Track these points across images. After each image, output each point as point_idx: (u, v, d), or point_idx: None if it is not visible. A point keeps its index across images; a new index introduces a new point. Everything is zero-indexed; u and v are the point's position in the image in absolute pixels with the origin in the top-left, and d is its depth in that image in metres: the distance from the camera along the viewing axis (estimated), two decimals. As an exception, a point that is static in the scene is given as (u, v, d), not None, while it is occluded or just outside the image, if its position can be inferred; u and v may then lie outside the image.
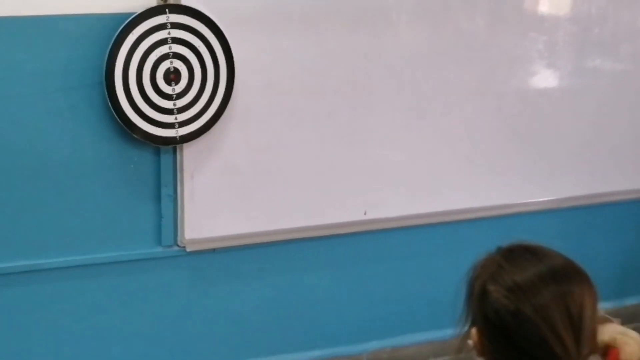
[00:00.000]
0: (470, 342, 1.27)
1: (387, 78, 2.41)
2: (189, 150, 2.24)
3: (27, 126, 2.09)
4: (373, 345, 2.73)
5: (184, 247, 2.33)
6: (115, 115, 2.11)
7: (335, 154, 2.42)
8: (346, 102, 2.39)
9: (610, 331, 1.38)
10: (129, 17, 2.05)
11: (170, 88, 2.14)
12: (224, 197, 2.31)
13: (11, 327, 2.26)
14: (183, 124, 2.18)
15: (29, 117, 2.08)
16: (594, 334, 1.20)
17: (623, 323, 3.48)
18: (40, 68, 2.05)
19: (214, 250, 2.39)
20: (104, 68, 2.06)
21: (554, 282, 1.19)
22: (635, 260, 3.13)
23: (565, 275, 1.21)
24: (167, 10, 2.08)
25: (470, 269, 1.29)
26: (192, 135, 2.20)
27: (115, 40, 2.05)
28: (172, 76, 2.14)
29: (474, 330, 1.25)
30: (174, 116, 2.17)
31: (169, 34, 2.10)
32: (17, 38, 2.01)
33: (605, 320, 1.42)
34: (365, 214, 2.50)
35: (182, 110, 2.17)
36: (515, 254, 1.26)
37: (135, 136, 2.15)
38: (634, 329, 3.35)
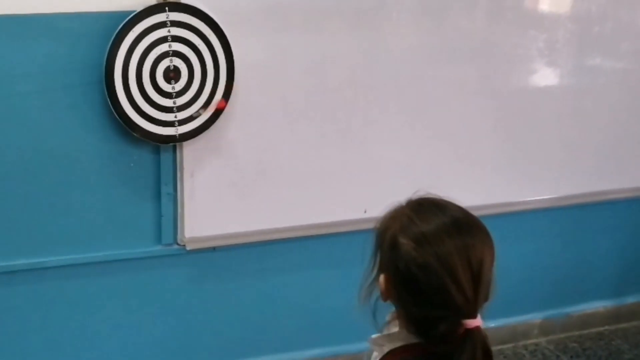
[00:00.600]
0: (377, 288, 1.35)
1: (388, 76, 2.41)
2: (188, 149, 2.23)
3: (27, 124, 2.09)
4: (373, 343, 2.73)
5: (184, 245, 2.33)
6: (115, 114, 2.11)
7: (335, 152, 2.42)
8: (346, 100, 2.39)
9: None
10: (129, 15, 2.05)
11: (170, 86, 2.14)
12: (224, 195, 2.31)
13: (11, 325, 2.26)
14: (183, 122, 2.18)
15: (28, 115, 2.08)
16: (489, 284, 1.27)
17: (622, 322, 3.50)
18: (40, 66, 2.05)
19: (214, 249, 2.40)
20: (104, 66, 2.06)
21: (458, 234, 1.27)
22: (634, 259, 3.13)
23: (468, 229, 1.29)
24: (167, 8, 2.08)
25: (379, 219, 1.37)
26: (191, 133, 2.20)
27: (115, 38, 2.05)
28: (171, 74, 2.13)
29: (382, 277, 1.33)
30: (173, 114, 2.17)
31: (169, 32, 2.10)
32: (17, 36, 2.01)
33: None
34: (365, 212, 2.50)
35: (181, 108, 2.17)
36: (424, 208, 1.34)
37: (135, 134, 2.15)
38: (634, 327, 3.36)
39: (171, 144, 2.21)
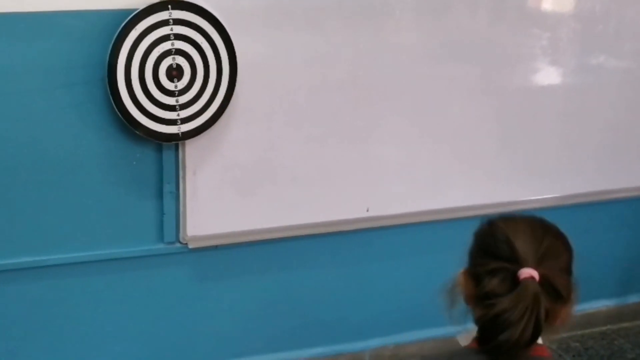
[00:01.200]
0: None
1: (390, 75, 2.41)
2: (191, 147, 2.23)
3: (29, 122, 2.09)
4: (375, 342, 2.73)
5: (186, 243, 2.33)
6: (118, 112, 2.11)
7: (338, 150, 2.42)
8: (349, 99, 2.39)
9: None
10: (132, 13, 2.05)
11: (173, 84, 2.14)
12: (226, 193, 2.31)
13: (13, 323, 2.26)
14: (185, 120, 2.18)
15: (31, 113, 2.08)
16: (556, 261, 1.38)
17: (625, 321, 3.49)
18: (42, 64, 2.05)
19: (216, 247, 2.40)
20: (106, 64, 2.06)
21: (536, 222, 1.43)
22: (637, 258, 3.13)
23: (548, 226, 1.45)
24: (169, 6, 2.08)
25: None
26: (194, 131, 2.20)
27: (118, 36, 2.04)
28: (174, 72, 2.13)
29: (461, 272, 1.43)
30: (176, 112, 2.16)
31: (172, 30, 2.10)
32: (19, 34, 2.01)
33: None
34: (367, 211, 2.50)
35: (184, 106, 2.17)
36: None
37: (137, 133, 2.15)
38: (636, 327, 3.36)
39: (174, 142, 2.21)
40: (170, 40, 2.10)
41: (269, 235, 2.42)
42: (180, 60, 2.13)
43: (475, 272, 1.37)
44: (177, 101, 2.16)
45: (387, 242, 2.63)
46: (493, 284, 1.31)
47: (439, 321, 2.78)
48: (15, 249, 2.18)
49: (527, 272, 1.30)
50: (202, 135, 2.21)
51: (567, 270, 1.39)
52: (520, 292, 1.28)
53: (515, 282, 1.30)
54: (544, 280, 1.31)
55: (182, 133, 2.19)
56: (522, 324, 1.27)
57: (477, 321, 1.37)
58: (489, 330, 1.31)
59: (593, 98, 2.73)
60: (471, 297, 1.39)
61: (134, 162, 2.22)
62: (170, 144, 2.22)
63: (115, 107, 2.10)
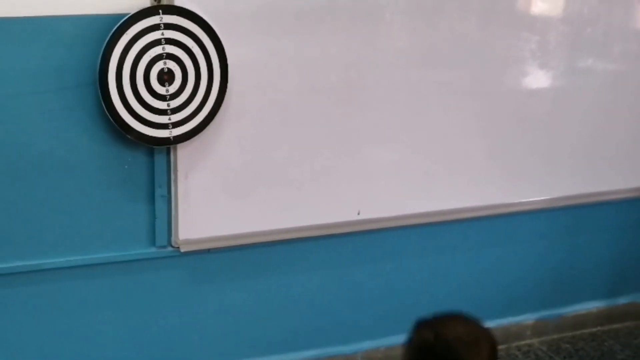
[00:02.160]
0: None
1: (381, 78, 2.42)
2: (182, 151, 2.24)
3: (21, 127, 2.09)
4: (367, 344, 2.73)
5: (178, 247, 2.33)
6: (109, 116, 2.11)
7: (329, 154, 2.42)
8: (340, 102, 2.39)
9: None
10: (123, 17, 2.05)
11: (164, 89, 2.15)
12: (218, 197, 2.32)
13: (5, 327, 2.25)
14: (177, 124, 2.18)
15: (22, 117, 2.08)
16: None
17: (615, 322, 3.51)
18: (34, 68, 2.05)
19: (208, 251, 2.40)
20: (98, 69, 2.06)
21: (468, 324, 1.56)
22: (627, 260, 3.14)
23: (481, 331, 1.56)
24: (160, 11, 2.08)
25: None
26: (185, 135, 2.20)
27: (109, 41, 2.05)
28: (165, 77, 2.14)
29: None
30: (167, 117, 2.17)
31: (163, 34, 2.10)
32: (11, 39, 2.01)
33: None
34: (358, 214, 2.51)
35: (175, 110, 2.17)
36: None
37: (129, 137, 2.15)
38: (626, 328, 3.37)
39: (165, 146, 2.21)
40: (161, 44, 2.11)
41: (260, 238, 2.43)
42: (172, 65, 2.13)
43: None
44: (168, 105, 2.16)
45: (378, 245, 2.64)
46: None
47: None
48: (7, 253, 2.18)
49: None
50: (193, 139, 2.22)
51: None
52: None
53: None
54: None
55: (174, 137, 2.19)
56: None
57: None
58: None
59: (582, 100, 2.75)
60: None
61: (126, 166, 2.22)
62: (161, 148, 2.22)
63: (106, 111, 2.10)
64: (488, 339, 1.53)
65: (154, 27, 2.09)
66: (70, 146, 2.14)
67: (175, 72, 2.14)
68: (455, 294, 2.75)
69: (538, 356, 2.97)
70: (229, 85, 2.21)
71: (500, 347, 2.64)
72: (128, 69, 2.08)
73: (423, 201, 2.59)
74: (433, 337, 1.51)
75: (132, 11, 2.06)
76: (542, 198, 2.81)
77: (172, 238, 2.32)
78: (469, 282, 2.77)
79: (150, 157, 2.24)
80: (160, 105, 2.15)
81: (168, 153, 2.24)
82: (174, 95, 2.16)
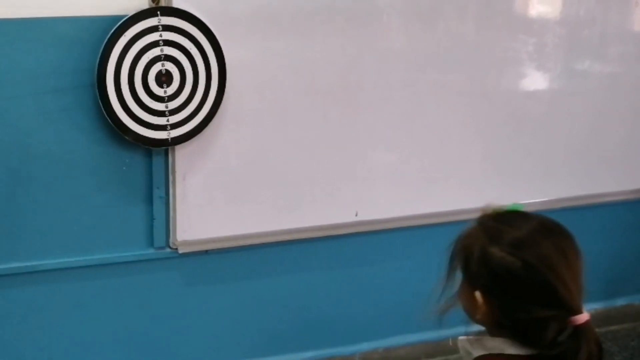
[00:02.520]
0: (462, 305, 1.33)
1: (378, 79, 2.42)
2: (180, 152, 2.24)
3: (18, 128, 2.09)
4: (365, 346, 2.74)
5: (176, 248, 2.33)
6: (107, 117, 2.11)
7: (327, 155, 2.43)
8: (337, 103, 2.40)
9: None
10: (121, 19, 2.05)
11: (162, 90, 2.15)
12: (216, 198, 2.32)
13: (3, 329, 2.25)
14: (175, 125, 2.18)
15: (20, 118, 2.08)
16: (583, 282, 1.30)
17: (613, 324, 3.51)
18: (32, 70, 2.05)
19: (206, 252, 2.40)
20: (96, 70, 2.07)
21: (550, 235, 1.28)
22: (625, 261, 3.15)
23: (557, 230, 1.31)
24: (158, 12, 2.08)
25: (455, 240, 1.37)
26: (184, 137, 2.20)
27: (107, 42, 2.05)
28: (163, 78, 2.14)
29: (477, 293, 1.29)
30: (165, 118, 2.17)
31: (161, 36, 2.10)
32: (9, 40, 2.01)
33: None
34: (356, 215, 2.51)
35: (173, 112, 2.17)
36: (507, 217, 1.35)
37: (127, 138, 2.15)
38: (624, 330, 3.37)
39: (163, 147, 2.21)
40: (159, 46, 2.11)
41: (258, 240, 2.43)
42: (170, 66, 2.14)
43: (508, 309, 1.27)
44: (166, 107, 2.17)
45: (376, 247, 2.64)
46: (549, 334, 1.23)
47: (428, 325, 2.80)
48: (5, 254, 2.18)
49: (583, 318, 1.24)
50: (191, 140, 2.22)
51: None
52: (584, 339, 1.23)
53: (567, 324, 1.24)
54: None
55: (172, 138, 2.19)
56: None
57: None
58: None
59: (578, 102, 2.75)
60: (493, 322, 1.30)
61: (124, 168, 2.22)
62: (159, 149, 2.22)
63: (104, 112, 2.10)
64: (569, 240, 1.32)
65: (152, 29, 2.09)
66: (68, 147, 2.15)
67: (174, 74, 2.15)
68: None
69: (535, 357, 2.97)
70: (227, 86, 2.21)
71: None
72: (126, 71, 2.09)
73: (421, 203, 2.60)
74: (520, 264, 1.24)
75: (131, 13, 2.06)
76: (539, 200, 2.81)
77: (170, 239, 2.32)
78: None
79: (149, 158, 2.24)
80: (158, 106, 2.15)
81: (166, 154, 2.24)
82: (172, 97, 2.16)
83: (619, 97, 2.83)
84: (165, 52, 2.12)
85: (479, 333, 1.36)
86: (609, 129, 2.85)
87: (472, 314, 1.32)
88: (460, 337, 1.37)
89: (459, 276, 1.35)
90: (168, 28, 2.10)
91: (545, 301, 1.23)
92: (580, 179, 2.85)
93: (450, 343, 1.39)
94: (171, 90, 2.16)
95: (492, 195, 2.68)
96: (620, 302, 3.20)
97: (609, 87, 2.79)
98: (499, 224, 1.32)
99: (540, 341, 1.24)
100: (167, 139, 2.19)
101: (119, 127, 2.13)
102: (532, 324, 1.24)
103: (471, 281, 1.31)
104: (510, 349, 1.28)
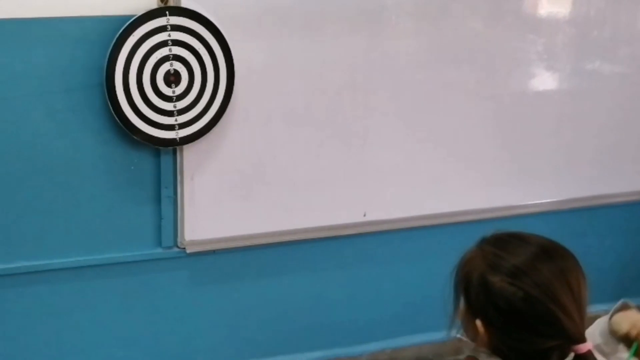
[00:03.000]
0: (464, 336, 1.30)
1: (387, 80, 2.42)
2: (189, 152, 2.24)
3: (28, 128, 2.10)
4: (373, 346, 2.73)
5: (184, 248, 2.34)
6: (116, 117, 2.11)
7: (335, 155, 2.42)
8: (346, 103, 2.39)
9: (632, 319, 1.42)
10: (130, 19, 2.06)
11: (171, 90, 2.15)
12: (224, 198, 2.32)
13: (12, 328, 2.26)
14: (183, 125, 2.18)
15: (29, 118, 2.09)
16: (587, 306, 1.26)
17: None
18: (41, 70, 2.05)
19: (214, 252, 2.40)
20: (105, 70, 2.07)
21: (550, 260, 1.24)
22: (633, 263, 3.13)
23: (557, 253, 1.27)
24: (167, 12, 2.09)
25: (457, 265, 1.33)
26: (192, 137, 2.21)
27: (116, 42, 2.05)
28: (172, 78, 2.14)
29: (478, 322, 1.26)
30: (174, 118, 2.17)
31: (169, 36, 2.11)
32: (19, 40, 2.01)
33: (626, 308, 1.47)
34: (364, 215, 2.51)
35: (182, 112, 2.18)
36: (505, 242, 1.30)
37: (135, 138, 2.16)
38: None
39: (171, 147, 2.22)
40: (168, 46, 2.11)
41: (266, 239, 2.43)
42: (178, 66, 2.14)
43: (510, 339, 1.24)
44: (174, 106, 2.17)
45: (384, 247, 2.64)
46: None
47: (435, 325, 2.80)
48: (14, 253, 2.18)
49: (585, 347, 1.21)
50: (199, 140, 2.22)
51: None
52: None
53: (568, 351, 1.21)
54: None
55: (180, 138, 2.19)
56: None
57: None
58: None
59: (589, 103, 2.74)
60: (493, 349, 1.27)
61: (132, 167, 2.23)
62: (168, 149, 2.23)
63: (113, 112, 2.11)
64: (571, 262, 1.26)
65: (161, 29, 2.09)
66: (77, 147, 2.15)
67: (182, 74, 2.15)
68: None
69: (544, 359, 2.96)
70: (235, 86, 2.21)
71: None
72: (135, 70, 2.09)
73: (429, 203, 2.59)
74: (522, 295, 1.19)
75: (139, 13, 2.06)
76: (550, 200, 2.80)
77: (178, 239, 2.33)
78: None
79: (157, 158, 2.24)
80: (167, 106, 2.16)
81: (174, 154, 2.25)
82: (181, 97, 2.17)
83: (629, 97, 2.81)
84: (173, 52, 2.12)
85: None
86: (619, 129, 2.83)
87: (473, 340, 1.30)
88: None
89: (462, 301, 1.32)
90: (176, 28, 2.11)
91: (548, 332, 1.21)
92: (588, 180, 2.84)
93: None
94: (179, 90, 2.16)
95: (502, 196, 2.69)
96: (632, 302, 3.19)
97: (619, 87, 2.78)
98: (498, 249, 1.28)
99: None
100: (175, 139, 2.19)
101: (127, 127, 2.13)
102: (534, 355, 1.22)
103: (472, 309, 1.28)
104: None
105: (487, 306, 1.24)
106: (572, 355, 1.21)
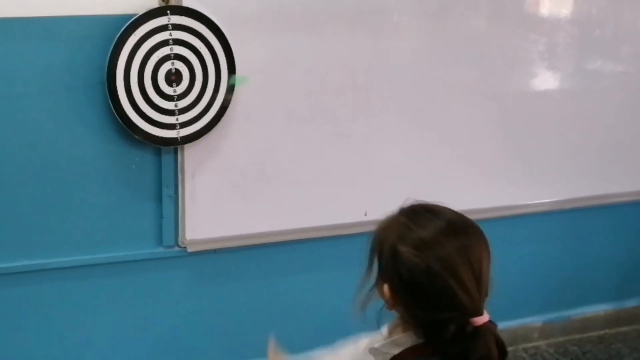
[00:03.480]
0: (378, 296, 1.37)
1: (388, 79, 2.41)
2: (190, 151, 2.24)
3: (29, 126, 2.10)
4: (374, 345, 2.73)
5: (185, 247, 2.34)
6: (117, 116, 2.12)
7: (336, 154, 2.42)
8: (347, 102, 2.39)
9: None
10: (131, 18, 2.06)
11: (172, 89, 2.15)
12: (225, 197, 2.32)
13: (12, 327, 2.26)
14: (184, 124, 2.18)
15: (31, 117, 2.09)
16: (488, 281, 1.31)
17: (623, 325, 3.48)
18: (43, 69, 2.06)
19: (214, 251, 2.40)
20: (106, 69, 2.07)
21: (455, 236, 1.30)
22: (635, 262, 3.13)
23: (464, 230, 1.32)
24: (168, 11, 2.09)
25: (374, 230, 1.39)
26: (193, 136, 2.21)
27: (117, 41, 2.05)
28: (173, 77, 2.14)
29: (385, 286, 1.34)
30: (175, 117, 2.17)
31: (171, 35, 2.11)
32: (20, 39, 2.02)
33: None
34: (365, 215, 2.50)
35: (183, 111, 2.18)
36: (417, 214, 1.37)
37: (136, 137, 2.16)
38: (634, 331, 3.35)
39: (172, 146, 2.22)
40: (169, 45, 2.11)
41: (267, 239, 2.43)
42: (179, 65, 2.14)
43: (410, 307, 1.31)
44: (176, 105, 2.17)
45: (385, 246, 2.63)
46: (448, 334, 1.26)
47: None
48: (15, 252, 2.19)
49: (481, 320, 1.26)
50: (200, 139, 2.22)
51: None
52: (482, 340, 1.25)
53: (466, 323, 1.26)
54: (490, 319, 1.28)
55: (181, 137, 2.19)
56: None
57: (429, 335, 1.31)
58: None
59: (591, 102, 2.74)
60: (401, 315, 1.35)
61: (133, 166, 2.23)
62: (169, 148, 2.23)
63: (114, 111, 2.11)
64: (475, 239, 1.31)
65: (162, 28, 2.09)
66: (78, 146, 2.15)
67: (183, 73, 2.15)
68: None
69: (545, 358, 2.96)
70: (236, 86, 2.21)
71: (507, 349, 2.63)
72: (136, 70, 2.09)
73: (429, 202, 2.58)
74: (424, 267, 1.26)
75: (140, 12, 2.06)
76: (551, 200, 2.80)
77: (179, 238, 2.33)
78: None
79: (158, 157, 2.24)
80: (168, 105, 2.16)
81: (175, 153, 2.25)
82: (182, 96, 2.17)
83: (631, 97, 2.81)
84: (175, 51, 2.12)
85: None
86: (620, 129, 2.83)
87: (386, 304, 1.37)
88: (375, 345, 1.40)
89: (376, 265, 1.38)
90: (178, 27, 2.10)
91: (445, 305, 1.26)
92: (591, 179, 2.84)
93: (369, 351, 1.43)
94: (180, 89, 2.16)
95: (502, 195, 2.69)
96: (630, 303, 3.19)
97: (620, 86, 2.78)
98: (410, 221, 1.34)
99: (439, 340, 1.27)
100: (176, 138, 2.19)
101: (128, 126, 2.13)
102: (432, 324, 1.28)
103: (382, 274, 1.36)
104: (422, 340, 1.32)
105: (394, 274, 1.31)
106: (470, 329, 1.26)
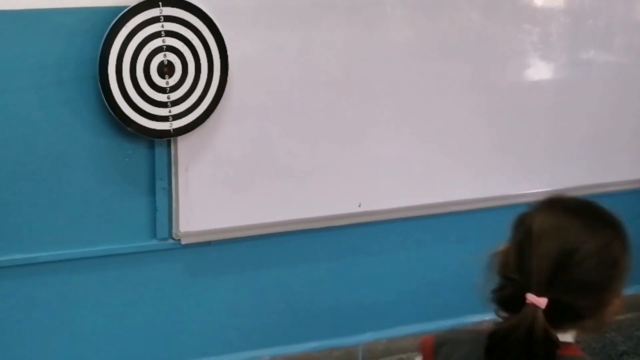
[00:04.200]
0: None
1: (382, 71, 2.41)
2: (183, 143, 2.24)
3: (21, 120, 2.09)
4: (368, 336, 2.73)
5: (179, 239, 2.33)
6: (109, 109, 2.11)
7: (330, 146, 2.42)
8: (341, 95, 2.39)
9: None
10: (123, 10, 2.05)
11: (164, 81, 2.14)
12: (218, 189, 2.32)
13: (4, 321, 2.26)
14: (177, 116, 2.18)
15: (22, 110, 2.08)
16: (582, 283, 1.29)
17: (622, 313, 3.47)
18: (34, 62, 2.05)
19: (209, 243, 2.40)
20: (98, 61, 2.06)
21: (568, 216, 1.35)
22: (634, 251, 3.13)
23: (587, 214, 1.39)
24: (160, 3, 2.08)
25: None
26: (186, 128, 2.20)
27: (109, 33, 2.05)
28: (165, 69, 2.13)
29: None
30: (167, 109, 2.17)
31: (163, 27, 2.10)
32: (10, 31, 2.01)
33: None
34: (359, 206, 2.51)
35: (176, 103, 2.17)
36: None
37: (129, 129, 2.15)
38: (628, 319, 3.36)
39: (165, 138, 2.21)
40: (161, 37, 2.10)
41: (261, 230, 2.43)
42: (172, 57, 2.13)
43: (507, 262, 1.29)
44: (168, 97, 2.16)
45: (379, 237, 2.64)
46: (503, 294, 1.24)
47: (431, 315, 2.81)
48: (7, 245, 2.18)
49: (532, 299, 1.20)
50: (194, 131, 2.22)
51: (603, 284, 1.30)
52: (520, 317, 1.20)
53: (521, 294, 1.21)
54: (556, 305, 1.21)
55: (174, 129, 2.19)
56: (516, 349, 1.20)
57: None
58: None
59: (583, 93, 2.74)
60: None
61: (126, 159, 2.22)
62: (162, 140, 2.22)
63: (106, 104, 2.10)
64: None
65: (154, 20, 2.08)
66: (70, 139, 2.15)
67: (176, 65, 2.14)
68: (457, 286, 2.74)
69: (539, 348, 2.96)
70: (229, 77, 2.21)
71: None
72: (128, 62, 2.08)
73: (424, 193, 2.59)
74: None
75: (132, 3, 2.06)
76: (543, 190, 2.80)
77: (173, 230, 2.32)
78: (471, 274, 2.76)
79: (151, 149, 2.24)
80: (161, 97, 2.15)
81: (168, 145, 2.24)
82: (174, 88, 2.16)
83: (625, 87, 2.81)
84: (167, 43, 2.11)
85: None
86: (614, 119, 2.84)
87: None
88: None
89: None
90: (170, 19, 2.10)
91: (515, 264, 1.26)
92: (586, 168, 2.84)
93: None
94: (173, 81, 2.15)
95: (497, 186, 2.69)
96: (629, 291, 3.19)
97: (614, 77, 2.78)
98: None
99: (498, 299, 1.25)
100: (169, 130, 2.18)
101: (121, 119, 2.13)
102: (502, 280, 1.27)
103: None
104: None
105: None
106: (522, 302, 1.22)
